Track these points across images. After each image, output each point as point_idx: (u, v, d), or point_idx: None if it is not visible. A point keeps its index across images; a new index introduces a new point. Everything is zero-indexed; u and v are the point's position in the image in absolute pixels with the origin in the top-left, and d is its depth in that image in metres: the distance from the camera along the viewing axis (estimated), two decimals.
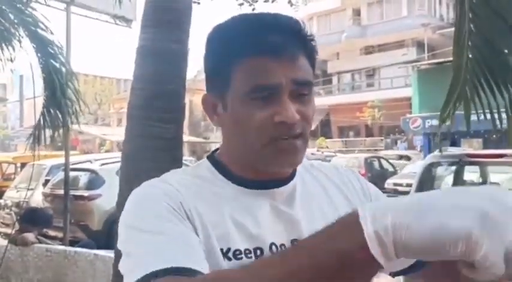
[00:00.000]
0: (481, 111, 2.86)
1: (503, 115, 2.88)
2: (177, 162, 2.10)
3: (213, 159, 0.89)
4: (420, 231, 0.49)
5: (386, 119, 29.05)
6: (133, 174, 2.02)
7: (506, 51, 2.65)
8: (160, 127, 2.06)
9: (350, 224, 0.54)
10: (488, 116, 2.88)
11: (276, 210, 0.85)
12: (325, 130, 33.34)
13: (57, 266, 3.77)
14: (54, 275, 3.77)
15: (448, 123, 3.04)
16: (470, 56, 2.76)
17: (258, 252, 0.81)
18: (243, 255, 0.78)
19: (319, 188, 0.93)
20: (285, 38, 0.79)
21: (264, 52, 0.78)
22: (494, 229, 0.48)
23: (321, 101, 33.96)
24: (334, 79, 35.51)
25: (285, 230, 0.84)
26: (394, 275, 0.88)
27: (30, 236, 3.97)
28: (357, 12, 33.46)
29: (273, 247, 0.82)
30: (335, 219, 0.76)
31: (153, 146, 2.05)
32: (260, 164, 0.82)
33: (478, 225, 0.47)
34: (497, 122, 2.81)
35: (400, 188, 12.55)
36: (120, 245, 0.75)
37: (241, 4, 7.80)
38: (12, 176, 12.00)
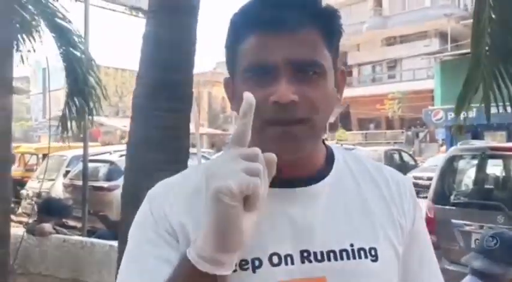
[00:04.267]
0: (501, 103, 2.76)
1: None
2: (184, 153, 2.05)
3: None
4: (206, 226, 0.63)
5: (408, 111, 28.61)
6: (138, 165, 1.99)
7: None
8: (166, 117, 2.01)
9: (183, 260, 0.67)
10: (509, 109, 2.77)
11: (286, 215, 0.76)
12: (344, 122, 33.03)
13: (73, 256, 3.79)
14: (71, 264, 3.80)
15: (463, 115, 2.94)
16: (489, 43, 2.65)
17: (257, 262, 0.73)
18: (237, 267, 0.71)
19: (355, 190, 0.83)
20: (288, 14, 0.73)
21: (262, 29, 0.73)
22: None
23: None
24: (355, 71, 35.07)
25: (293, 238, 0.75)
26: None
27: (47, 226, 4.00)
28: (379, 3, 32.90)
29: (275, 258, 0.74)
30: (366, 226, 0.80)
31: (159, 136, 2.00)
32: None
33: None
34: None
35: (420, 182, 12.33)
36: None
37: None
38: (35, 167, 12.21)
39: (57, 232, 4.13)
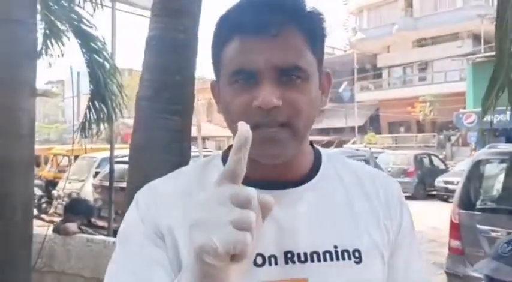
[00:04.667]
0: None
1: None
2: (184, 155, 2.07)
3: (226, 153, 0.82)
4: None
5: (440, 114, 28.01)
6: (141, 166, 2.02)
7: None
8: (166, 118, 2.04)
9: None
10: None
11: (270, 216, 0.73)
12: (374, 125, 32.59)
13: (96, 255, 3.87)
14: (94, 264, 3.88)
15: (491, 118, 2.84)
16: None
17: None
18: None
19: (342, 192, 0.83)
20: (272, 18, 0.72)
21: (246, 33, 0.73)
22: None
23: (371, 95, 33.22)
24: (385, 73, 34.58)
25: (277, 239, 0.76)
26: None
27: (72, 225, 4.11)
28: (409, 4, 32.34)
29: (259, 258, 0.75)
30: (350, 228, 0.80)
31: (159, 138, 2.04)
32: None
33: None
34: None
35: (450, 186, 12.05)
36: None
37: None
38: (66, 168, 12.55)
39: (82, 231, 4.24)
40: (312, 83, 0.76)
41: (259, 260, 0.74)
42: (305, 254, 0.76)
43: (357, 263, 0.77)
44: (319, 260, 0.76)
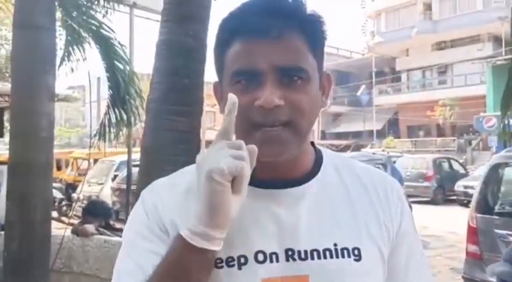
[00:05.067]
0: None
1: None
2: (193, 156, 2.10)
3: None
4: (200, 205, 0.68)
5: (460, 118, 27.58)
6: (151, 167, 2.07)
7: None
8: (175, 120, 2.09)
9: (176, 238, 0.71)
10: None
11: (272, 214, 0.79)
12: (392, 129, 32.27)
13: (114, 256, 3.87)
14: (111, 265, 3.90)
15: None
16: None
17: (242, 260, 0.76)
18: (223, 264, 0.75)
19: (342, 192, 0.85)
20: (274, 21, 0.75)
21: (249, 35, 0.76)
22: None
23: (389, 99, 32.91)
24: (403, 76, 34.23)
25: (279, 237, 0.78)
26: None
27: (90, 227, 4.18)
28: (428, 6, 31.99)
29: (260, 255, 0.77)
30: (350, 226, 0.82)
31: (169, 139, 2.08)
32: None
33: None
34: None
35: (470, 191, 11.85)
36: None
37: None
38: (86, 172, 12.74)
39: (100, 233, 4.30)
40: (312, 83, 0.78)
41: (261, 257, 0.77)
42: (305, 251, 0.78)
43: (356, 260, 0.79)
44: (319, 258, 0.78)
